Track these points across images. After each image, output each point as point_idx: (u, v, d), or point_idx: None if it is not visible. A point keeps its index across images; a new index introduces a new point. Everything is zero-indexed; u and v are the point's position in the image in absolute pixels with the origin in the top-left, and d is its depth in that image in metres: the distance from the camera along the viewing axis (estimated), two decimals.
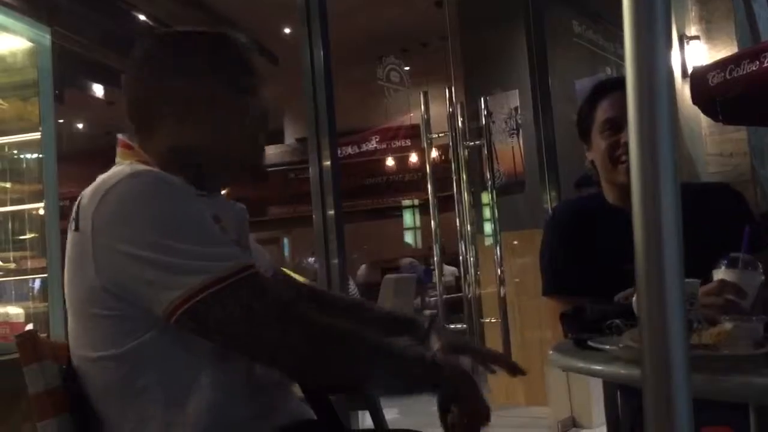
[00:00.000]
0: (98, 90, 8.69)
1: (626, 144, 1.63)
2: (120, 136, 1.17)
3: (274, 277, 1.44)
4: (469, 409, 1.06)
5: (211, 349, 1.03)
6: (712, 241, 1.50)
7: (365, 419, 2.70)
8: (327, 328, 1.02)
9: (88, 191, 1.03)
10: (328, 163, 3.08)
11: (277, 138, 13.26)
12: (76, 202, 1.05)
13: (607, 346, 1.06)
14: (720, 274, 1.24)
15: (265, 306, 0.98)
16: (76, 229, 1.02)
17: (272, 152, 12.75)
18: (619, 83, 1.75)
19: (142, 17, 6.94)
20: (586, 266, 1.68)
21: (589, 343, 1.11)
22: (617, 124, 1.68)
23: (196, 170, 1.14)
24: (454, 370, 1.07)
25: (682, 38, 5.71)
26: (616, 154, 1.69)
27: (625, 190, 1.71)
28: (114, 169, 1.07)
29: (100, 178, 1.05)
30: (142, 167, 1.06)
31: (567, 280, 1.71)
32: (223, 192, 1.27)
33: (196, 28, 1.24)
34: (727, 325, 1.00)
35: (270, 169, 12.37)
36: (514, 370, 1.36)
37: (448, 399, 1.07)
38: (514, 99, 4.61)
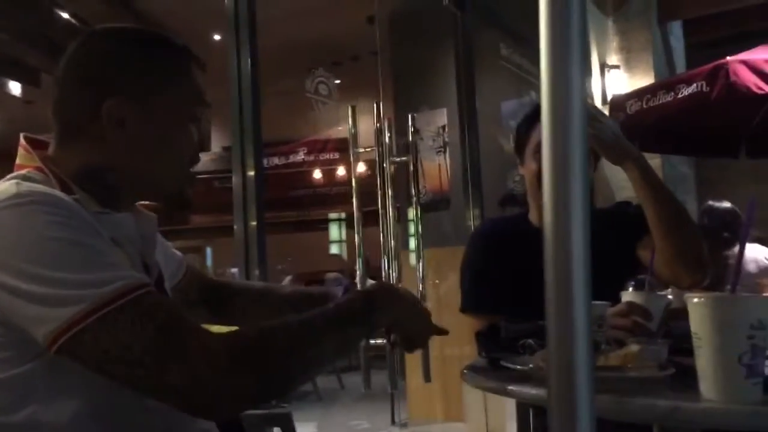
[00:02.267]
0: (15, 88, 8.35)
1: None
2: (23, 136, 1.10)
3: (185, 275, 1.38)
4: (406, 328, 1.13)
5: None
6: (617, 263, 1.55)
7: None
8: (224, 347, 0.88)
9: None
10: (252, 173, 3.04)
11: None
12: None
13: (519, 366, 1.07)
14: (628, 296, 1.29)
15: (145, 340, 0.86)
16: None
17: None
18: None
19: (65, 15, 6.72)
20: (503, 286, 1.71)
21: (502, 362, 1.12)
22: None
23: (109, 189, 1.08)
24: (381, 290, 1.09)
25: (603, 66, 5.92)
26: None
27: None
28: (5, 184, 0.99)
29: None
30: (27, 186, 0.97)
31: (484, 299, 1.74)
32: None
33: (146, 29, 1.14)
34: (634, 348, 1.03)
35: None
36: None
37: (385, 321, 1.09)
38: (441, 117, 4.68)
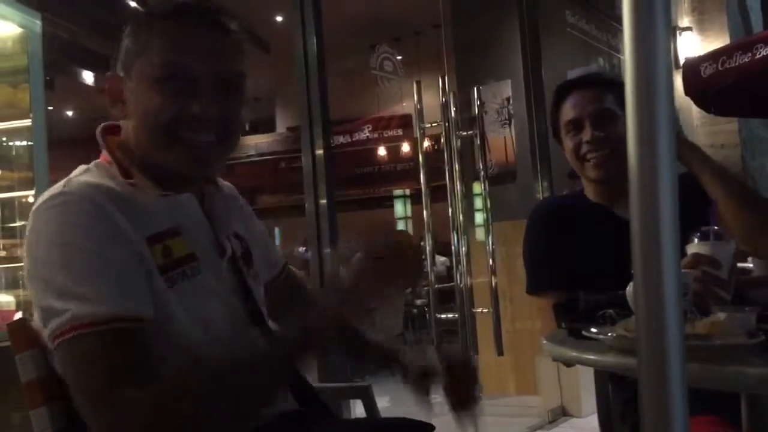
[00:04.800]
0: (88, 77, 8.62)
1: (588, 142, 1.68)
2: (100, 125, 1.12)
3: (280, 275, 1.35)
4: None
5: (187, 347, 1.01)
6: (688, 230, 1.52)
7: (356, 407, 2.70)
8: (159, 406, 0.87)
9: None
10: (321, 152, 3.08)
11: (268, 127, 13.21)
12: None
13: (601, 336, 1.06)
14: (693, 248, 1.27)
15: (89, 377, 0.90)
16: None
17: (263, 141, 12.71)
18: (576, 83, 1.78)
19: (132, 3, 6.88)
20: (568, 263, 1.69)
21: (583, 332, 1.11)
22: (578, 124, 1.72)
23: (158, 170, 1.07)
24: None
25: (675, 29, 5.73)
26: (581, 153, 1.72)
27: (599, 186, 1.74)
28: (61, 181, 1.03)
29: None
30: (76, 181, 1.01)
31: (550, 278, 1.73)
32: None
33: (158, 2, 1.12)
34: (720, 315, 1.01)
35: (261, 158, 12.33)
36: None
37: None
38: (506, 89, 4.61)
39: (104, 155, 1.09)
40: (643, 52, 0.61)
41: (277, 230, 14.12)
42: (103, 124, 1.13)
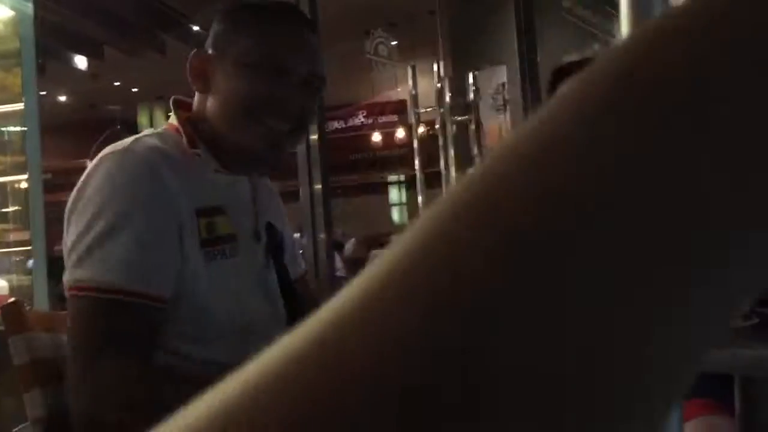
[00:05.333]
0: (81, 62, 8.57)
1: None
2: (172, 98, 1.17)
3: (296, 282, 1.33)
4: None
5: (193, 330, 1.02)
6: None
7: None
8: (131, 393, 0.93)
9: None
10: (315, 137, 3.07)
11: None
12: None
13: None
14: None
15: (77, 337, 0.95)
16: None
17: None
18: (574, 65, 1.77)
19: None
20: None
21: None
22: None
23: (219, 149, 1.11)
24: None
25: None
26: None
27: None
28: (130, 137, 1.06)
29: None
30: (144, 143, 1.03)
31: None
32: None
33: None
34: None
35: None
36: None
37: None
38: (501, 74, 4.60)
39: (173, 123, 1.12)
40: None
41: None
42: (174, 97, 1.17)
